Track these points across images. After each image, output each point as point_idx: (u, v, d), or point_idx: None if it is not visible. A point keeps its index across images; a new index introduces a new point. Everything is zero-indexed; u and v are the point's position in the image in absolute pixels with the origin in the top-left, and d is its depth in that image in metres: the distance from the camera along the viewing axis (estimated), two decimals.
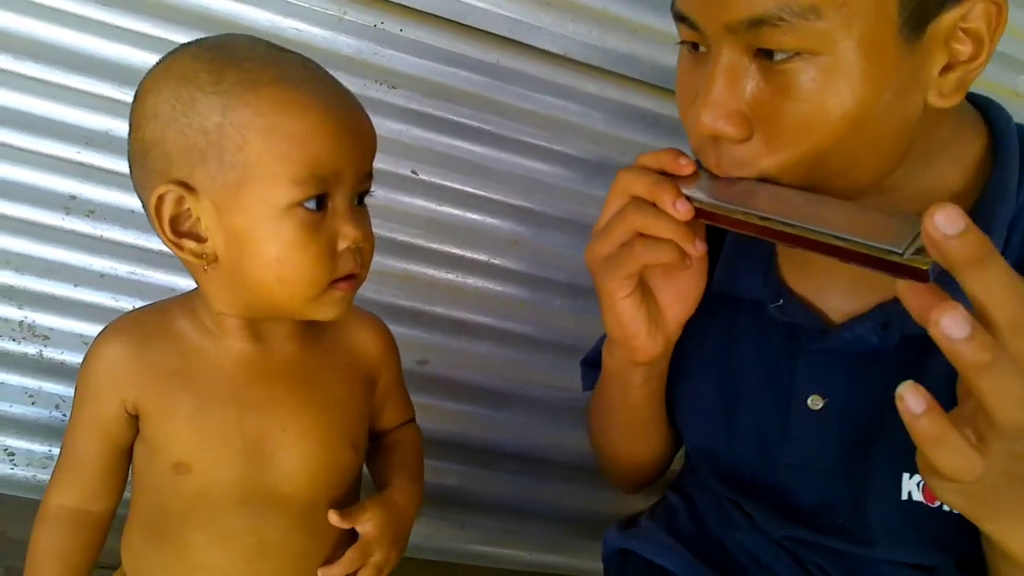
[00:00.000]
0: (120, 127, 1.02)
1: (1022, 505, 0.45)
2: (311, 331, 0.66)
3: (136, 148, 0.57)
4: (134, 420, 0.63)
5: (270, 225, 0.55)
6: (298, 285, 0.57)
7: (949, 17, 0.49)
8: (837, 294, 0.64)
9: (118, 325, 0.64)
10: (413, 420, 0.80)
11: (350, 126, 0.58)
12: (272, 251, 0.55)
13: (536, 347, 1.20)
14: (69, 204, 1.04)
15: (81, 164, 1.03)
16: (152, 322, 0.63)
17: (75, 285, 1.06)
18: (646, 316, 0.63)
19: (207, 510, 0.62)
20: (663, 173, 0.59)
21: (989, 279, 0.37)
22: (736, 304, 0.69)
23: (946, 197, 0.59)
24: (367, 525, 0.65)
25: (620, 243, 0.59)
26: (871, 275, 0.58)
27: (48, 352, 1.08)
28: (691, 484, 0.80)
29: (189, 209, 0.56)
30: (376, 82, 1.04)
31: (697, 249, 0.57)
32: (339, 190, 0.57)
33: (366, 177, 0.60)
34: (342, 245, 0.58)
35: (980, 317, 0.38)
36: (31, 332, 1.07)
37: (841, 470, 0.63)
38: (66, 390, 1.09)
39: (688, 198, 0.55)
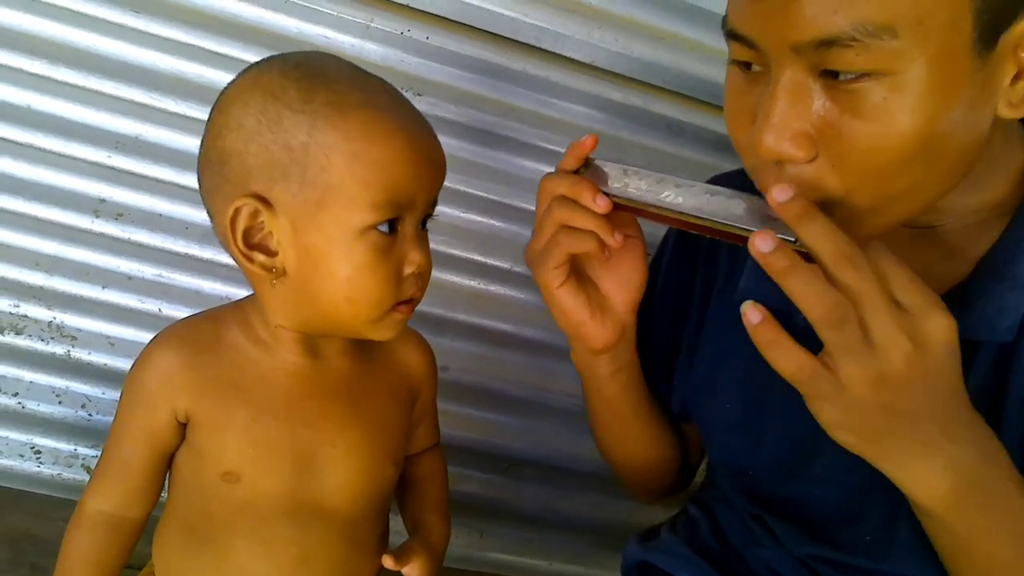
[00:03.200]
0: (149, 132, 1.04)
1: (903, 438, 0.50)
2: (362, 347, 0.67)
3: (212, 155, 0.58)
4: (182, 428, 0.63)
5: (345, 245, 0.56)
6: (364, 305, 0.58)
7: (1021, 25, 0.48)
8: None
9: (172, 332, 0.64)
10: (439, 443, 0.80)
11: (428, 155, 0.60)
12: (344, 271, 0.56)
13: (558, 355, 1.19)
14: (98, 207, 1.05)
15: (111, 168, 1.04)
16: (206, 331, 0.64)
17: (103, 287, 1.08)
18: (586, 303, 0.66)
19: (252, 518, 0.63)
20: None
21: (813, 230, 0.48)
22: None
23: (991, 206, 0.59)
24: (415, 570, 0.65)
25: (549, 237, 0.63)
26: None
27: (76, 352, 1.09)
28: (713, 498, 0.79)
29: (263, 222, 0.56)
30: (402, 89, 1.01)
31: (616, 240, 0.61)
32: (410, 215, 0.59)
33: (434, 203, 0.62)
34: (408, 270, 0.59)
35: (816, 263, 0.48)
36: (59, 332, 1.09)
37: (873, 483, 0.62)
38: (92, 390, 1.11)
39: (606, 194, 0.60)
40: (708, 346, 0.71)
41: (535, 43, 1.06)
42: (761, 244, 0.49)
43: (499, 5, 1.03)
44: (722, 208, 0.57)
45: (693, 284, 0.77)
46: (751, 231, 0.53)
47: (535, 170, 1.12)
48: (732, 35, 0.53)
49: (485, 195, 1.11)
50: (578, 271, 0.66)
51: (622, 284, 0.68)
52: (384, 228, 0.57)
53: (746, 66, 0.54)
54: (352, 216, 0.55)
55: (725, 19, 0.54)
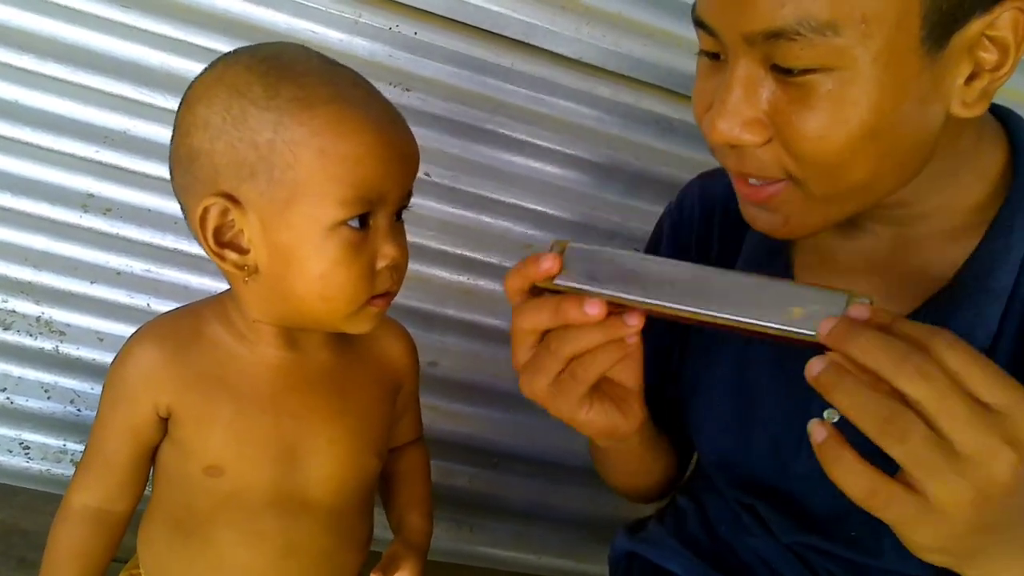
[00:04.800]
0: (138, 127, 1.04)
1: (1002, 549, 0.45)
2: (343, 339, 0.67)
3: (181, 153, 0.57)
4: (164, 423, 0.63)
5: (315, 243, 0.55)
6: (338, 301, 0.57)
7: (975, 25, 0.48)
8: None
9: (153, 328, 0.64)
10: (421, 437, 0.80)
11: (399, 148, 0.58)
12: (316, 268, 0.56)
13: None
14: (87, 202, 1.05)
15: (99, 163, 1.04)
16: (186, 326, 0.63)
17: (91, 282, 1.08)
18: (614, 407, 0.61)
19: (237, 510, 0.63)
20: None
21: (863, 344, 0.43)
22: None
23: (967, 209, 0.59)
24: (405, 574, 0.65)
25: (557, 374, 0.56)
26: (890, 285, 0.57)
27: (64, 348, 1.09)
28: (701, 488, 0.80)
29: (233, 221, 0.56)
30: (390, 84, 1.05)
31: (631, 327, 0.53)
32: (382, 209, 0.58)
33: (407, 195, 0.61)
34: (381, 264, 0.58)
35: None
36: (48, 328, 1.09)
37: None
38: (81, 385, 1.11)
39: (588, 293, 0.51)
40: (698, 344, 0.71)
41: (524, 39, 1.06)
42: (813, 368, 0.45)
43: (488, 1, 1.03)
44: (725, 298, 0.49)
45: None
46: (785, 330, 0.48)
47: (524, 166, 1.12)
48: (697, 23, 0.55)
49: (474, 191, 1.11)
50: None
51: (633, 368, 0.61)
52: (355, 224, 0.56)
53: (711, 56, 0.56)
54: (321, 213, 0.54)
55: (694, 7, 0.55)
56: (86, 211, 1.06)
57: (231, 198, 0.55)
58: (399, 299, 1.11)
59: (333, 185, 0.54)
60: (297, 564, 0.65)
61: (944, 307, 0.58)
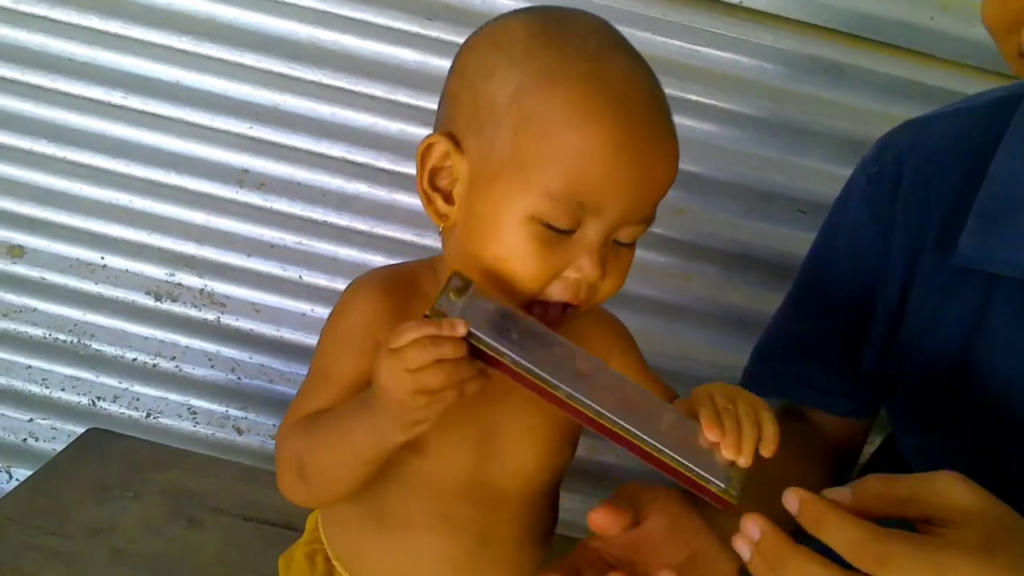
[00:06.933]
0: (287, 102, 1.05)
1: None
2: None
3: (443, 90, 0.57)
4: None
5: (506, 226, 0.51)
6: (503, 286, 0.53)
7: None
8: None
9: (373, 277, 0.61)
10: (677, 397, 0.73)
11: (641, 162, 0.50)
12: (496, 249, 0.52)
13: (699, 322, 1.13)
14: (242, 177, 1.08)
15: (252, 139, 1.07)
16: (404, 282, 0.60)
17: (248, 255, 1.11)
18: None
19: (434, 495, 0.60)
20: None
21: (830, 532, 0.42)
22: (988, 281, 0.61)
23: None
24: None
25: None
26: None
27: (225, 319, 1.14)
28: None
29: (451, 167, 0.53)
30: None
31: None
32: (595, 222, 0.51)
33: (640, 220, 0.53)
34: (573, 275, 0.52)
35: None
36: (210, 300, 1.13)
37: None
38: (241, 355, 1.16)
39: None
40: (917, 313, 0.63)
41: None
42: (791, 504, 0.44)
43: None
44: (651, 421, 0.48)
45: (887, 244, 0.68)
46: (697, 473, 0.46)
47: (678, 124, 1.04)
48: None
49: None
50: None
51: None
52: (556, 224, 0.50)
53: None
54: (522, 198, 0.50)
55: None
56: (241, 186, 1.09)
57: (457, 144, 0.53)
58: None
59: (543, 172, 0.49)
60: (491, 554, 0.62)
61: None
